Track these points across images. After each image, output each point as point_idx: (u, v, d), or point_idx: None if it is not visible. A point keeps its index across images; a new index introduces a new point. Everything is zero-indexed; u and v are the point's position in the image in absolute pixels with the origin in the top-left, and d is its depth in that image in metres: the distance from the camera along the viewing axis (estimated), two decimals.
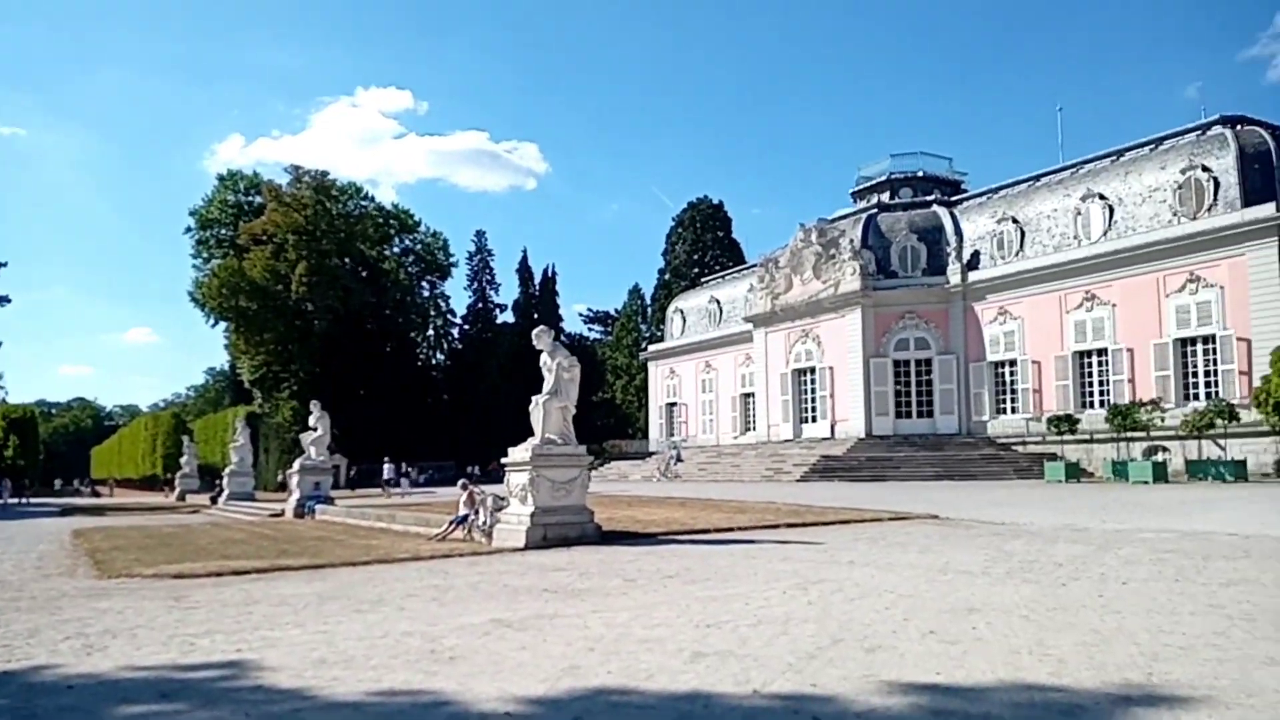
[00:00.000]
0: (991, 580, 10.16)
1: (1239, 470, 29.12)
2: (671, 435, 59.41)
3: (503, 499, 16.85)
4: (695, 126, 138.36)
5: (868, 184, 53.66)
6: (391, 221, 75.18)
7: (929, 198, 49.48)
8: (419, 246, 77.28)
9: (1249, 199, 33.61)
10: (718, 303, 59.28)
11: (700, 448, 53.13)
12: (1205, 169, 35.30)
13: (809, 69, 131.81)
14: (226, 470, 40.38)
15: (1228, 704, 5.13)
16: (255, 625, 8.36)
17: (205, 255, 71.12)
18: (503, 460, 16.39)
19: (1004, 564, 11.48)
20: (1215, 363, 34.09)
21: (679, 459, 46.13)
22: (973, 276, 43.23)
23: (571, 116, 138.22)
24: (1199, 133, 37.65)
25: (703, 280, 66.83)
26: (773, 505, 22.24)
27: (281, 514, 27.74)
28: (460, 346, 79.46)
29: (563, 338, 75.54)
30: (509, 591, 10.08)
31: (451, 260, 77.82)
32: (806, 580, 10.36)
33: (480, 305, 79.29)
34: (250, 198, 72.29)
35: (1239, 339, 33.06)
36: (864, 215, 48.21)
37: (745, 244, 76.98)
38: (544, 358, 16.40)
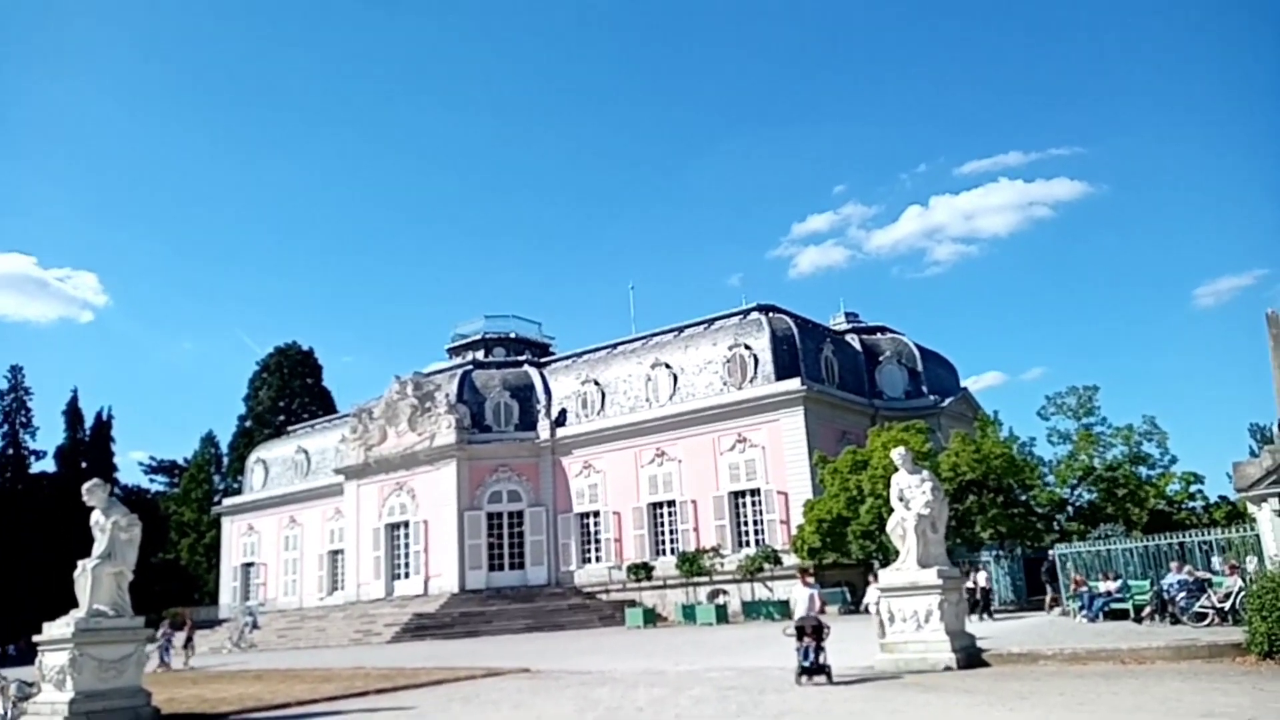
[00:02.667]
0: None
1: (784, 609, 33.07)
2: (247, 599, 54.09)
3: (30, 684, 14.22)
4: (282, 269, 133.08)
5: (463, 341, 55.27)
6: None
7: (521, 357, 52.10)
8: None
9: (781, 374, 39.85)
10: (306, 453, 56.26)
11: (281, 611, 48.91)
12: (748, 347, 41.38)
13: (405, 221, 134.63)
14: None
15: None
16: None
17: None
18: (36, 639, 13.91)
19: (591, 713, 11.97)
20: (762, 512, 38.99)
21: (255, 625, 42.05)
22: (560, 432, 45.76)
23: (139, 247, 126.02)
24: (741, 316, 44.18)
25: (290, 429, 63.23)
26: (362, 670, 21.08)
27: None
28: None
29: (118, 490, 66.40)
30: None
31: None
32: None
33: (11, 452, 67.48)
34: None
35: (779, 492, 38.30)
36: (460, 370, 49.34)
37: (336, 393, 74.58)
38: (96, 515, 14.46)
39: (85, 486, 14.69)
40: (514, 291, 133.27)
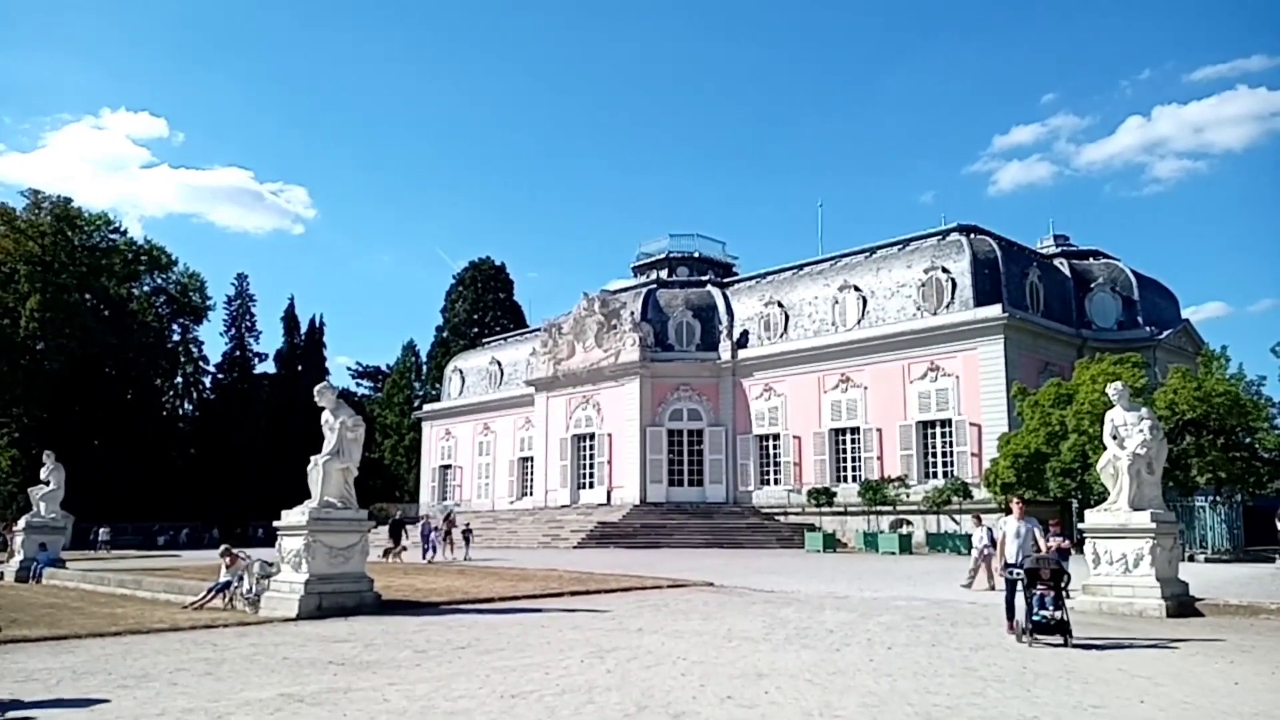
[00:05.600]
0: (773, 646, 10.70)
1: (971, 543, 32.14)
2: (444, 499, 57.96)
3: (271, 564, 15.77)
4: (474, 185, 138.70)
5: (648, 260, 55.79)
6: (143, 258, 69.38)
7: (704, 277, 52.11)
8: (172, 286, 71.76)
9: (980, 299, 37.92)
10: (499, 364, 59.02)
11: (476, 513, 52.18)
12: (945, 270, 39.52)
13: (594, 139, 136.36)
14: None
15: None
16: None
17: None
18: (276, 524, 15.40)
19: (781, 630, 12.11)
20: (952, 444, 37.73)
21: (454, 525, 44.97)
22: (742, 354, 45.71)
23: (345, 163, 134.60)
24: (939, 237, 42.15)
25: (484, 341, 66.37)
26: (555, 572, 22.21)
27: (0, 576, 24.46)
28: (213, 397, 73.99)
29: None
30: (291, 664, 9.46)
31: (208, 303, 72.92)
32: (601, 648, 10.46)
33: (238, 353, 74.47)
34: None
35: (971, 424, 36.88)
36: (644, 289, 49.99)
37: (524, 307, 77.59)
38: (326, 415, 15.62)
39: (317, 388, 15.92)
40: (699, 210, 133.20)
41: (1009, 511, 12.44)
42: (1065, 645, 10.57)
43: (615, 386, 47.04)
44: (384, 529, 36.86)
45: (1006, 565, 11.93)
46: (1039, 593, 10.90)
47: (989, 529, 19.81)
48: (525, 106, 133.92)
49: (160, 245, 70.92)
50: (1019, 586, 11.39)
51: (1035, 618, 10.84)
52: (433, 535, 31.95)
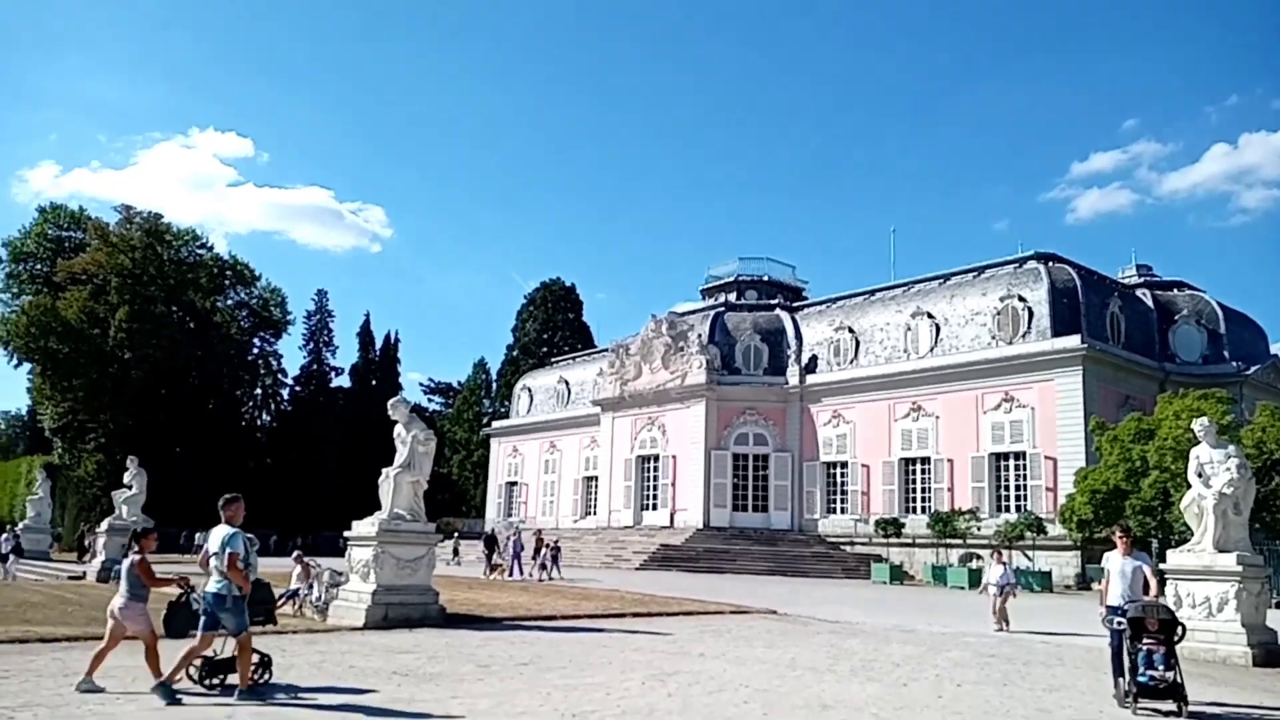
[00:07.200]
0: (838, 677, 10.52)
1: (1045, 581, 31.21)
2: (510, 515, 58.45)
3: (340, 574, 16.07)
4: (546, 207, 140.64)
5: (716, 283, 55.74)
6: (227, 273, 71.77)
7: (773, 301, 51.77)
8: (255, 301, 73.98)
9: (1058, 329, 36.93)
10: (567, 384, 59.45)
11: (540, 530, 52.48)
12: (1021, 299, 38.61)
13: (665, 162, 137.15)
14: (20, 525, 36.77)
15: None
16: (81, 699, 7.66)
17: (15, 290, 65.56)
18: (346, 534, 15.70)
19: (846, 661, 11.90)
20: (1025, 478, 36.61)
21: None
22: (810, 379, 45.21)
23: (421, 185, 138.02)
24: (1016, 265, 41.24)
25: (553, 360, 66.94)
26: (616, 593, 22.19)
27: (83, 577, 25.39)
28: (289, 409, 75.93)
29: None
30: (356, 673, 9.61)
31: (289, 318, 74.96)
32: (662, 671, 10.40)
33: (315, 367, 76.32)
34: (72, 233, 67.54)
35: (1046, 457, 35.78)
36: (712, 312, 49.90)
37: (594, 327, 78.13)
38: (398, 429, 15.88)
39: (390, 402, 16.21)
40: (769, 234, 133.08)
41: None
42: (1180, 715, 8.70)
43: (681, 409, 46.95)
44: (449, 543, 37.21)
45: (1110, 610, 9.75)
46: (1145, 648, 8.96)
47: (1007, 566, 18.68)
48: (598, 131, 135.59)
49: (244, 261, 73.32)
50: (1125, 639, 9.28)
51: (1141, 678, 8.88)
52: (543, 553, 31.61)
